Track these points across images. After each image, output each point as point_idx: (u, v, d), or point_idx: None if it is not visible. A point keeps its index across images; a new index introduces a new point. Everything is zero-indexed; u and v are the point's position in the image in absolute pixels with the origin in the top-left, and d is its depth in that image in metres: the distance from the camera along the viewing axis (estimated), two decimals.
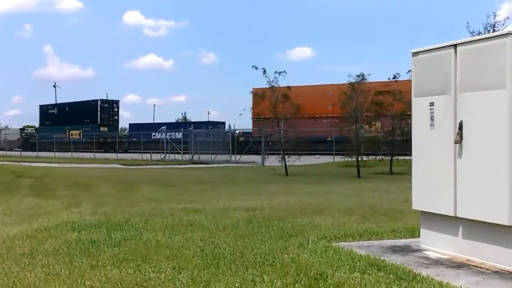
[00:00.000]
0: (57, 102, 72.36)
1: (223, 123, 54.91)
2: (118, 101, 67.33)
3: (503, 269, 4.20)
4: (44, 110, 70.64)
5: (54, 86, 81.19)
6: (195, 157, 40.03)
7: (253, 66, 24.52)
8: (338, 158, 30.97)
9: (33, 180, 18.23)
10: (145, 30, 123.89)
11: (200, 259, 4.55)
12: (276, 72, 24.37)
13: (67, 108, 66.92)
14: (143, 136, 46.51)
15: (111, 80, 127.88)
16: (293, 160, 24.76)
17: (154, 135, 49.72)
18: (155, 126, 56.36)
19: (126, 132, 71.05)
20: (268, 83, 24.22)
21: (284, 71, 24.37)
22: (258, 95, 25.94)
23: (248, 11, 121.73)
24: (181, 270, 4.17)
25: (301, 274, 3.99)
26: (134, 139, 47.45)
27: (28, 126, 73.99)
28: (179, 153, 41.90)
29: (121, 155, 44.33)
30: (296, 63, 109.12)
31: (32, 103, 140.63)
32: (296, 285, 3.75)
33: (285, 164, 24.30)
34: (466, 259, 4.54)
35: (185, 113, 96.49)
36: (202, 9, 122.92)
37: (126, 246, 5.14)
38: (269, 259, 4.53)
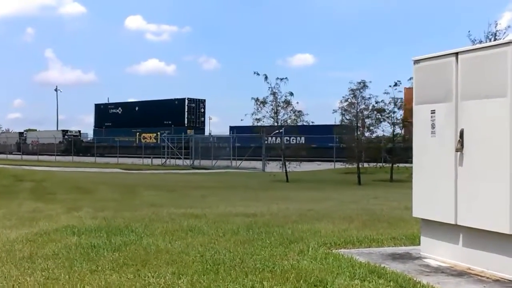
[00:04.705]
0: (122, 101, 62.05)
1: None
2: (205, 100, 57.37)
3: (504, 278, 4.19)
4: (102, 109, 60.55)
5: (56, 90, 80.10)
6: (196, 162, 39.99)
7: (254, 72, 24.76)
8: (339, 165, 30.98)
9: (33, 183, 18.27)
10: (147, 35, 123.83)
11: (200, 265, 4.53)
12: (277, 78, 24.54)
13: (137, 108, 57.55)
14: (248, 141, 37.89)
15: (113, 84, 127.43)
16: (293, 167, 24.80)
17: (265, 140, 40.93)
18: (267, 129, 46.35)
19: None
20: (270, 89, 24.37)
21: (286, 78, 24.56)
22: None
23: (249, 17, 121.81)
24: (180, 276, 4.15)
25: (301, 281, 3.98)
26: (238, 144, 38.97)
27: (30, 130, 73.12)
28: (180, 158, 41.75)
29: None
30: (298, 69, 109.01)
31: (33, 107, 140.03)
32: None
33: (286, 170, 24.31)
34: (467, 267, 4.53)
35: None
36: (204, 15, 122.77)
37: (126, 251, 5.13)
38: (269, 265, 4.52)
